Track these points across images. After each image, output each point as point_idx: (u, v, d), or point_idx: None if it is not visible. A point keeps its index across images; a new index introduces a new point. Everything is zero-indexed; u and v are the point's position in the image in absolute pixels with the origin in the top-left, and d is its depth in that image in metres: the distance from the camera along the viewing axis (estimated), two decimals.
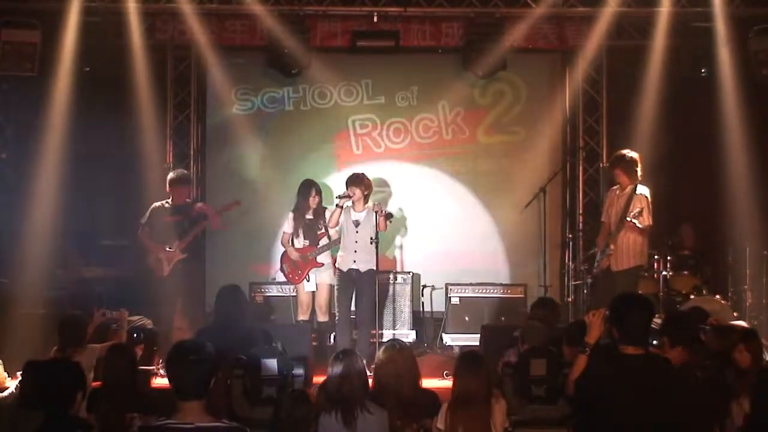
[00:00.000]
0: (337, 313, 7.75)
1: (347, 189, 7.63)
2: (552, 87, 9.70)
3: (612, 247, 7.65)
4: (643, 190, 7.77)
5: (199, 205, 8.34)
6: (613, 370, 4.21)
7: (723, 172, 8.81)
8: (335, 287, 7.79)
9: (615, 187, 8.00)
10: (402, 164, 9.61)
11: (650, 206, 7.73)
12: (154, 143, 9.28)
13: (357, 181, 7.67)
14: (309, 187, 8.09)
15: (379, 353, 4.76)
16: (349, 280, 7.66)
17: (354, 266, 7.60)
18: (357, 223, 7.66)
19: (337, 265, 7.75)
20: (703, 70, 9.01)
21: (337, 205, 7.58)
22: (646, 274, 8.43)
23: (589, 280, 8.61)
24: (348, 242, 7.67)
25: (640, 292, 8.28)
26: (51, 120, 8.56)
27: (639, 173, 7.81)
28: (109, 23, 8.65)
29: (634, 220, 7.55)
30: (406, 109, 9.61)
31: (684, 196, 9.11)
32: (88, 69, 8.92)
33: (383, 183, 9.46)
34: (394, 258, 9.33)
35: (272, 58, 8.90)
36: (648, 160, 9.01)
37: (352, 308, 7.76)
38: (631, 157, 7.87)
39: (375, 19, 8.91)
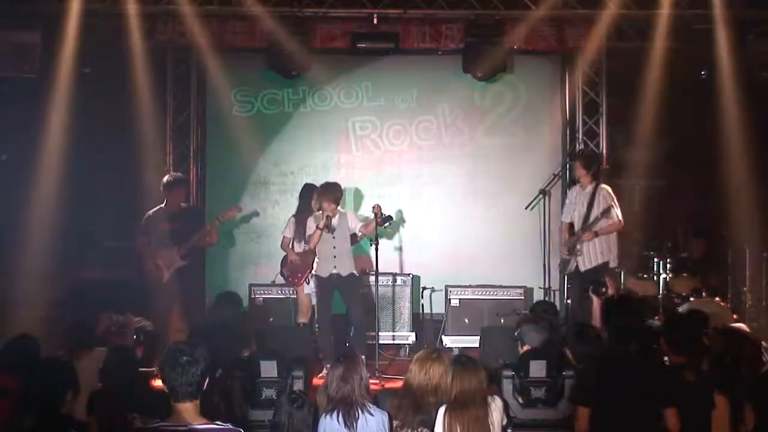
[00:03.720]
0: (317, 320, 7.74)
1: (319, 200, 7.54)
2: (551, 89, 9.70)
3: (579, 247, 7.67)
4: (605, 187, 7.78)
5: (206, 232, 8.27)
6: (608, 369, 4.26)
7: (722, 174, 8.82)
8: (314, 294, 7.76)
9: (575, 186, 7.97)
10: (402, 166, 9.61)
11: (616, 202, 7.75)
12: (154, 145, 9.29)
13: (328, 192, 7.54)
14: (311, 191, 8.10)
15: (448, 366, 4.73)
16: (329, 285, 7.61)
17: (335, 271, 7.55)
18: (332, 230, 7.55)
19: (315, 272, 7.68)
20: (702, 72, 9.02)
21: (318, 227, 7.47)
22: (637, 272, 8.46)
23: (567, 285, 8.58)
24: (326, 249, 7.58)
25: (640, 293, 8.31)
26: (51, 121, 8.56)
27: (600, 172, 7.83)
28: (108, 24, 8.64)
29: (601, 223, 7.56)
30: (406, 111, 9.61)
31: (683, 198, 9.12)
32: (87, 70, 8.92)
33: (383, 185, 9.48)
34: (368, 257, 9.20)
35: (272, 60, 8.90)
36: (647, 162, 9.05)
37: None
38: (595, 153, 7.87)
39: (375, 21, 8.92)
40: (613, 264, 7.90)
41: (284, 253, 8.28)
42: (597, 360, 4.53)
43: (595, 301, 7.58)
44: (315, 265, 7.71)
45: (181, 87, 9.44)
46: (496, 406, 4.49)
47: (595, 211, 7.71)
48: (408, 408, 4.58)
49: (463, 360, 4.68)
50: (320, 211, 7.55)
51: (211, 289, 8.75)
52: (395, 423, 4.56)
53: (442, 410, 4.45)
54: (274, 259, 8.83)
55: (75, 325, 5.63)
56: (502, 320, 8.44)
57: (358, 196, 9.41)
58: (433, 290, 9.10)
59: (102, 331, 6.11)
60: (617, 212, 7.70)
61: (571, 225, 8.07)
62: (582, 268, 7.76)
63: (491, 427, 4.37)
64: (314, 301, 8.02)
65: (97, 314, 6.16)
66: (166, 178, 8.19)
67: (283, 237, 8.22)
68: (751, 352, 5.01)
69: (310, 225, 7.68)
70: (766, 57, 8.61)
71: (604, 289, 6.44)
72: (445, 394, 4.58)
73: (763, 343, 5.74)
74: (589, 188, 7.82)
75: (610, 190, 7.84)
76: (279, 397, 5.14)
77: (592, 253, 7.72)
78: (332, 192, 7.54)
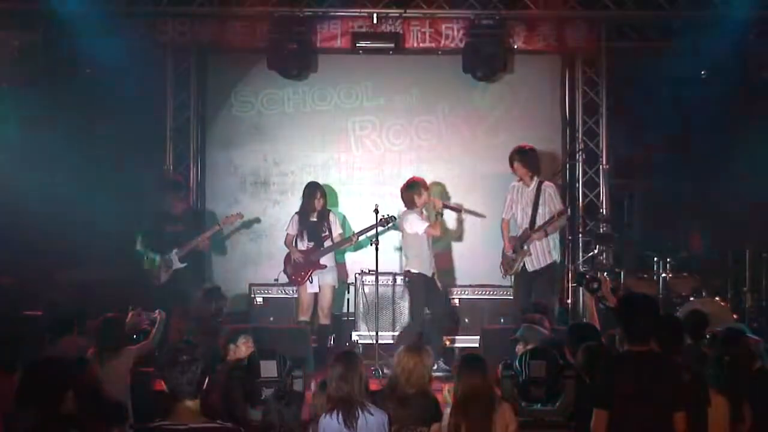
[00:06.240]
0: (412, 318, 7.90)
1: (421, 194, 7.79)
2: (551, 89, 9.69)
3: (526, 247, 7.62)
4: (549, 186, 7.74)
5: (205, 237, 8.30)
6: (620, 366, 4.29)
7: (722, 174, 8.82)
8: (409, 292, 7.92)
9: (516, 183, 7.88)
10: (402, 166, 9.61)
11: (560, 199, 7.74)
12: (154, 145, 9.31)
13: (423, 185, 7.86)
14: (314, 189, 8.12)
15: (409, 354, 4.78)
16: (426, 284, 7.78)
17: (433, 270, 7.81)
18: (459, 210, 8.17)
19: (413, 270, 7.77)
20: (702, 72, 9.02)
21: (440, 213, 7.77)
22: (590, 271, 8.44)
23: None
24: (426, 248, 7.79)
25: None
26: (51, 121, 8.57)
27: (539, 167, 7.82)
28: (109, 25, 8.65)
29: (546, 228, 7.54)
30: (406, 111, 9.61)
31: (683, 198, 9.12)
32: (88, 70, 8.93)
33: (383, 184, 9.47)
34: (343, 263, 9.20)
35: (272, 60, 8.90)
36: (647, 162, 9.05)
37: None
38: (531, 149, 7.83)
39: (375, 21, 8.93)
40: (558, 260, 7.91)
41: (286, 252, 8.26)
42: (616, 360, 4.53)
43: (589, 299, 7.55)
44: (411, 264, 7.80)
45: (181, 87, 9.44)
46: (503, 410, 4.50)
47: (542, 210, 7.65)
48: (396, 406, 4.58)
49: (470, 359, 4.68)
50: (410, 208, 7.80)
51: None
52: (393, 428, 4.56)
53: (448, 409, 4.47)
54: (274, 259, 8.84)
55: (105, 326, 5.59)
56: (502, 320, 8.43)
57: (358, 195, 9.40)
58: None
59: (130, 328, 6.12)
60: (561, 216, 7.72)
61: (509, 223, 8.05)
62: (530, 268, 7.67)
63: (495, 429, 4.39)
64: (322, 301, 8.07)
65: (129, 311, 6.17)
66: (165, 182, 8.22)
67: (287, 234, 8.23)
68: (749, 352, 5.02)
69: (413, 221, 7.73)
70: (766, 57, 8.60)
71: (596, 285, 6.36)
72: (418, 380, 4.62)
73: (762, 343, 5.75)
74: (533, 185, 7.76)
75: (555, 188, 7.85)
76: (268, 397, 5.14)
77: (541, 253, 7.65)
78: (424, 185, 7.86)
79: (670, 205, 8.95)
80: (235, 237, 9.43)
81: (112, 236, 8.63)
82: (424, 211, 7.99)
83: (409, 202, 7.84)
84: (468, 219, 9.47)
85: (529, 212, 7.69)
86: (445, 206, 8.00)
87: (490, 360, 6.02)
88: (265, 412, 4.25)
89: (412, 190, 7.83)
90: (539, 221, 7.68)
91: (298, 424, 4.26)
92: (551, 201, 7.66)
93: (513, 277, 7.97)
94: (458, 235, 9.36)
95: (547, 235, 7.63)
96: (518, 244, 7.73)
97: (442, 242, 8.96)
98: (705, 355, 5.23)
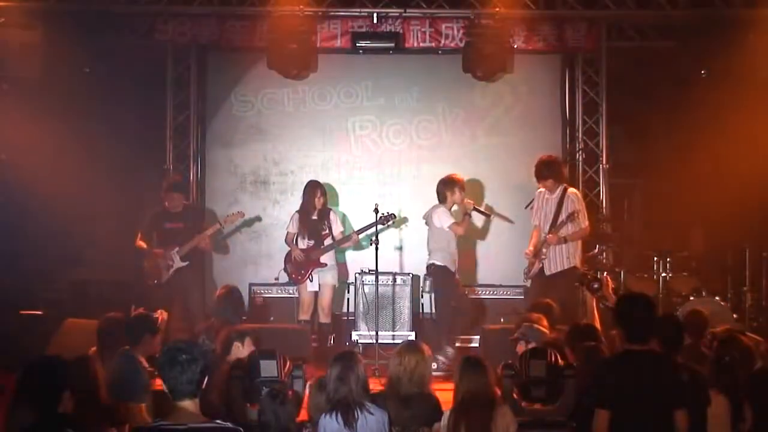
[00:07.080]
0: (438, 311, 7.86)
1: (458, 191, 7.82)
2: (551, 89, 9.70)
3: (545, 251, 7.60)
4: (573, 191, 7.72)
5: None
6: (620, 366, 4.28)
7: (722, 174, 8.82)
8: (433, 284, 7.84)
9: (542, 190, 7.85)
10: (402, 165, 9.62)
11: (584, 208, 7.71)
12: (154, 145, 9.32)
13: (460, 182, 7.87)
14: (315, 187, 8.12)
15: (408, 355, 4.79)
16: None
17: (457, 266, 7.83)
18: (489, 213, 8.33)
19: (438, 263, 7.77)
20: (702, 71, 9.02)
21: (468, 214, 7.80)
22: (595, 274, 8.41)
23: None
24: (452, 243, 7.79)
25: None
26: (51, 121, 8.57)
27: (565, 173, 7.82)
28: (109, 25, 8.65)
29: (566, 227, 7.50)
30: (406, 111, 9.62)
31: (683, 197, 9.12)
32: (88, 70, 8.93)
33: (383, 184, 9.48)
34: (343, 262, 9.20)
35: (272, 60, 8.90)
36: (647, 162, 9.05)
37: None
38: (553, 160, 7.80)
39: (375, 20, 8.94)
40: (578, 265, 7.80)
41: (286, 252, 8.26)
42: (616, 360, 4.54)
43: (589, 299, 7.55)
44: (434, 258, 7.77)
45: (181, 87, 9.45)
46: (504, 411, 4.50)
47: (563, 216, 7.64)
48: (397, 406, 4.58)
49: (471, 360, 4.69)
50: (448, 204, 7.83)
51: (213, 287, 8.75)
52: (395, 430, 4.55)
53: (447, 413, 4.47)
54: (274, 259, 8.85)
55: (105, 327, 5.59)
56: (502, 320, 8.44)
57: (358, 195, 9.41)
58: None
59: None
60: (583, 218, 7.65)
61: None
62: (548, 272, 7.62)
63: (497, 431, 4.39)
64: (321, 300, 8.06)
65: (132, 310, 6.19)
66: (165, 183, 8.21)
67: (287, 233, 8.22)
68: (748, 352, 5.03)
69: (441, 215, 7.74)
70: (766, 57, 8.60)
71: (596, 285, 6.35)
72: (420, 380, 4.60)
73: (761, 344, 5.75)
74: (558, 192, 7.74)
75: (578, 194, 7.83)
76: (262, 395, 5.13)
77: (559, 258, 7.61)
78: (461, 185, 7.89)
79: (670, 205, 8.94)
80: (235, 236, 9.44)
81: (112, 236, 8.64)
82: (455, 208, 7.98)
83: (442, 197, 7.87)
84: (475, 219, 9.50)
85: (551, 219, 7.71)
86: (475, 209, 7.97)
87: (490, 360, 6.04)
88: (260, 411, 4.24)
89: (447, 186, 7.86)
90: None
91: (294, 423, 4.25)
92: (571, 206, 7.64)
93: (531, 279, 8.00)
94: (482, 235, 9.35)
95: (566, 241, 7.60)
96: (537, 248, 7.76)
97: (466, 242, 8.92)
98: (705, 355, 5.24)
